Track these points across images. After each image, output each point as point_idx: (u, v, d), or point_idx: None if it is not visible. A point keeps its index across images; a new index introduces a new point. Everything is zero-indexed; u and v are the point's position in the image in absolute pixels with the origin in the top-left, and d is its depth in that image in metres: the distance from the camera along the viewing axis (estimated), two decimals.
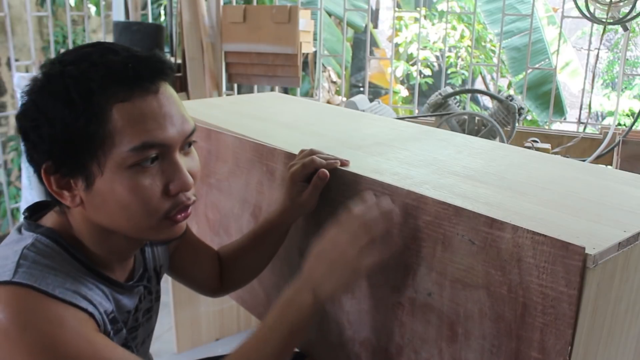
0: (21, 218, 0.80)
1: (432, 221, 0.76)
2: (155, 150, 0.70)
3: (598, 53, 2.32)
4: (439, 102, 1.82)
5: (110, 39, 3.04)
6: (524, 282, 0.66)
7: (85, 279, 0.73)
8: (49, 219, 0.76)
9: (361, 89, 6.35)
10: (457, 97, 1.89)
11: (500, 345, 0.70)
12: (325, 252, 0.78)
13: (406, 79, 5.98)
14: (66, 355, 0.64)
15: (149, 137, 0.69)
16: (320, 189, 0.92)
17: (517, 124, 1.82)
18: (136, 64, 0.69)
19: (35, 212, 0.79)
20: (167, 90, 0.73)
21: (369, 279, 0.88)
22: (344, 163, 0.93)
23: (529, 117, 4.56)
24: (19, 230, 0.75)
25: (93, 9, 4.28)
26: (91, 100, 0.67)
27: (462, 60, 5.61)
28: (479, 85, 6.09)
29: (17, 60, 3.02)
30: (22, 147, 0.73)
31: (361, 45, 6.22)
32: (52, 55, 3.07)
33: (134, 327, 0.86)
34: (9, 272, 0.66)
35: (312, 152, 0.94)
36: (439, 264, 0.76)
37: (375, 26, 7.22)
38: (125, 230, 0.73)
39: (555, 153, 1.86)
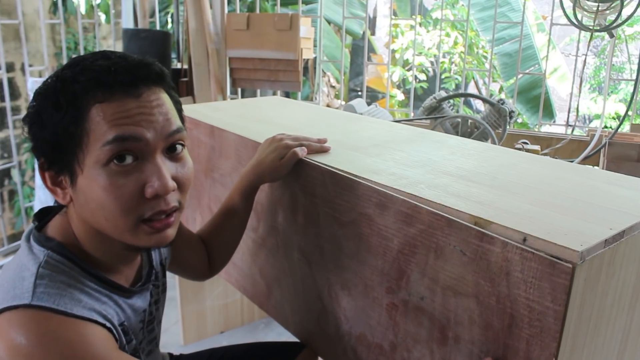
0: (29, 224, 0.79)
1: (425, 230, 0.74)
2: (129, 143, 0.67)
3: (585, 59, 2.32)
4: (433, 105, 1.82)
5: (119, 45, 3.04)
6: (512, 295, 0.65)
7: (98, 293, 0.71)
8: (55, 227, 0.75)
9: (359, 93, 6.36)
10: (451, 100, 1.89)
11: (488, 352, 0.69)
12: None
13: (402, 84, 5.98)
14: None
15: (120, 130, 0.67)
16: (296, 159, 0.97)
17: (508, 127, 1.82)
18: (120, 68, 0.68)
19: (42, 216, 0.78)
20: (152, 95, 0.70)
21: (364, 278, 0.88)
22: (325, 149, 1.00)
23: (519, 120, 4.55)
24: (28, 239, 0.73)
25: (103, 16, 4.28)
26: (74, 102, 0.67)
27: (456, 65, 5.61)
28: (471, 89, 6.09)
29: (30, 65, 3.02)
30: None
31: (359, 51, 6.22)
32: (65, 61, 3.08)
33: (150, 320, 0.86)
34: (28, 294, 0.64)
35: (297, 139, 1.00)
36: (431, 271, 0.75)
37: (373, 33, 7.22)
38: (106, 230, 0.71)
39: (545, 154, 1.86)
